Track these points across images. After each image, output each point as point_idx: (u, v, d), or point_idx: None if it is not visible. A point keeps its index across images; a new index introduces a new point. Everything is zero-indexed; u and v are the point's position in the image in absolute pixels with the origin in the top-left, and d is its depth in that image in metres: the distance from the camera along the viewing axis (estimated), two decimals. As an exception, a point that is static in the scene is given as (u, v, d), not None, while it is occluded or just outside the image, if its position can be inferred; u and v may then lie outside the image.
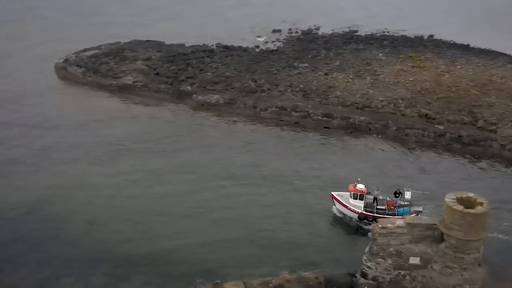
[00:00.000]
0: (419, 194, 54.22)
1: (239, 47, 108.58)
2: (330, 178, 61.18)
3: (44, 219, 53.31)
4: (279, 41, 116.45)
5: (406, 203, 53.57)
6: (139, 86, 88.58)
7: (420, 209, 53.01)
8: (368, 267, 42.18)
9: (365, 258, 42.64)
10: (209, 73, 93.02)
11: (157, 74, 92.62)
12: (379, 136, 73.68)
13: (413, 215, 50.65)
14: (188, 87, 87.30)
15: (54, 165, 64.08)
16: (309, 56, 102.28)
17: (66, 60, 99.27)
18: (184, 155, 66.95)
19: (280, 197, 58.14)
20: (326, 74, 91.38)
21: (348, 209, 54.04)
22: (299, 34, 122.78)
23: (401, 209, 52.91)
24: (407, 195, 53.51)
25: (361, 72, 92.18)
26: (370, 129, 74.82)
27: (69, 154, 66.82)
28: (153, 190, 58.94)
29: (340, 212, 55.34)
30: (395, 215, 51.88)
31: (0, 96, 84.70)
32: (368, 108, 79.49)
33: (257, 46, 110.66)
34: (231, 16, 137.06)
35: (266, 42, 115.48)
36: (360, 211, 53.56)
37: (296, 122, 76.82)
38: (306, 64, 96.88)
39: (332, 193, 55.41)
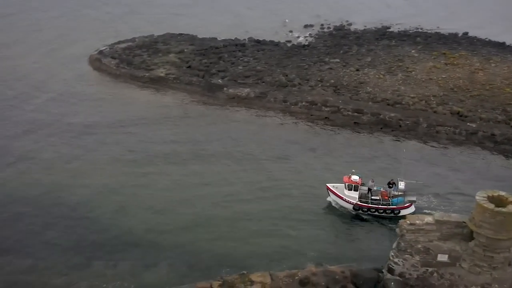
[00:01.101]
0: (412, 184, 54.64)
1: (271, 41, 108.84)
2: (360, 173, 61.04)
3: (76, 206, 54.64)
4: (311, 36, 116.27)
5: (400, 193, 54.13)
6: (171, 79, 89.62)
7: (414, 198, 54.05)
8: (395, 263, 42.09)
9: (392, 254, 42.56)
10: (240, 67, 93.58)
11: (189, 67, 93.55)
12: (409, 133, 73.09)
13: (407, 204, 53.39)
14: (219, 80, 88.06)
15: (85, 154, 65.40)
16: (341, 51, 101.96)
17: (100, 52, 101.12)
18: (214, 147, 67.67)
19: (308, 190, 58.41)
20: (357, 70, 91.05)
21: (343, 200, 54.88)
22: (331, 29, 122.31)
23: (395, 199, 53.87)
24: (401, 185, 54.15)
25: (393, 69, 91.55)
26: (400, 126, 74.36)
27: (101, 143, 68.25)
28: (181, 181, 59.77)
29: (336, 202, 56.11)
30: (389, 205, 53.47)
31: (37, 85, 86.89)
32: (399, 104, 78.98)
33: (289, 41, 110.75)
34: (264, 11, 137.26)
35: (298, 37, 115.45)
36: (355, 202, 54.36)
37: (326, 117, 76.81)
38: (338, 60, 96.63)
39: (327, 184, 56.23)
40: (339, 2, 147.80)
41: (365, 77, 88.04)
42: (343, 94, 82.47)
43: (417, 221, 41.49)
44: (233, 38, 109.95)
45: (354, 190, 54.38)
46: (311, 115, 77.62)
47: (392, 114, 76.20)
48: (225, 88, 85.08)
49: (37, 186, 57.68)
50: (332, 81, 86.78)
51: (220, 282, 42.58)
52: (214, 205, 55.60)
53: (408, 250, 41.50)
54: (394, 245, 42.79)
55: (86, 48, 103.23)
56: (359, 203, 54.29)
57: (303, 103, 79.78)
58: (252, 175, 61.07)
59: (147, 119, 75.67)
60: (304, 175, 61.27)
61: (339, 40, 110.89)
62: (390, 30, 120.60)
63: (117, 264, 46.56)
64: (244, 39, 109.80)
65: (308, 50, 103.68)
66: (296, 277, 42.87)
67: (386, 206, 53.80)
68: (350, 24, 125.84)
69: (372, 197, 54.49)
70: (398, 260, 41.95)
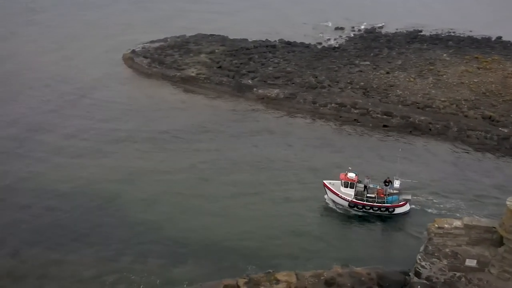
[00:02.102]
0: (408, 182, 55.14)
1: (302, 43, 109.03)
2: (387, 175, 60.86)
3: (106, 201, 55.66)
4: (342, 39, 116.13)
5: (395, 191, 54.39)
6: (201, 78, 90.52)
7: (409, 197, 54.36)
8: (422, 266, 41.88)
9: (420, 257, 42.35)
10: (270, 68, 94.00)
11: (219, 67, 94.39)
12: (439, 137, 72.45)
13: (402, 202, 53.65)
14: (249, 81, 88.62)
15: (115, 151, 66.54)
16: (371, 54, 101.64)
17: (133, 51, 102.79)
18: (243, 147, 68.17)
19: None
20: (388, 72, 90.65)
21: (339, 197, 55.10)
22: (362, 32, 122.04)
23: (390, 197, 54.13)
24: (396, 183, 54.41)
25: (424, 72, 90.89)
26: (430, 129, 73.73)
27: (133, 140, 69.34)
28: (210, 179, 60.36)
29: (332, 201, 56.25)
30: (383, 203, 53.81)
31: (73, 83, 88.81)
32: (429, 108, 78.34)
33: (319, 43, 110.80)
34: (295, 13, 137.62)
35: (329, 39, 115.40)
36: (350, 199, 54.59)
37: (355, 119, 76.67)
38: (368, 62, 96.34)
39: (324, 181, 56.38)
40: (371, 6, 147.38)
41: (395, 80, 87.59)
42: (373, 97, 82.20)
43: (446, 225, 41.23)
44: (263, 40, 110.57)
45: (350, 187, 54.54)
46: (340, 117, 77.56)
47: (422, 118, 75.62)
48: (254, 89, 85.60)
49: (70, 181, 58.94)
50: (362, 83, 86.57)
51: (246, 280, 43.03)
52: (241, 205, 56.03)
53: (436, 254, 41.25)
54: (422, 248, 42.56)
55: (119, 47, 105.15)
56: (354, 200, 54.54)
57: (332, 104, 79.76)
58: (280, 177, 61.22)
59: (177, 117, 76.55)
60: (332, 176, 61.02)
61: (370, 43, 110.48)
62: (421, 33, 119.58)
63: (145, 259, 47.31)
64: (275, 41, 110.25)
65: (339, 53, 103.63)
66: (322, 277, 43.07)
67: (380, 204, 54.10)
68: (381, 27, 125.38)
69: (367, 195, 54.83)
70: (425, 264, 41.73)
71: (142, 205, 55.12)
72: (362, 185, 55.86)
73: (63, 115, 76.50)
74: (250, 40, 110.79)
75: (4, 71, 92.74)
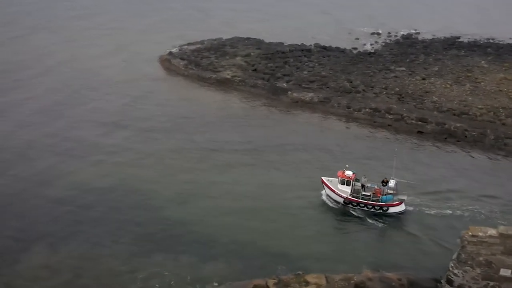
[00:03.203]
0: (403, 183, 56.21)
1: (337, 48, 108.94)
2: (421, 181, 60.79)
3: (142, 199, 56.75)
4: (378, 44, 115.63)
5: (392, 191, 55.26)
6: (237, 81, 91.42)
7: (404, 197, 55.27)
8: (455, 274, 41.23)
9: (452, 265, 41.75)
10: (305, 72, 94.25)
11: (255, 70, 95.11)
12: (475, 144, 71.49)
13: (396, 202, 54.65)
14: (284, 84, 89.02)
15: (152, 151, 67.55)
16: (407, 60, 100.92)
17: (170, 53, 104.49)
18: (276, 150, 68.40)
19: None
20: (424, 78, 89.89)
21: (335, 193, 56.12)
22: (398, 38, 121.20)
23: (384, 197, 55.12)
24: (391, 183, 55.32)
25: (461, 79, 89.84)
26: (466, 136, 72.88)
27: (168, 140, 70.44)
28: (243, 182, 60.90)
29: (328, 197, 57.00)
30: (378, 202, 54.83)
31: (112, 84, 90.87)
32: (466, 115, 77.41)
33: (355, 48, 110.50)
34: (331, 18, 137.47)
35: (364, 45, 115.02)
36: (345, 196, 55.40)
37: (389, 125, 76.35)
38: (403, 68, 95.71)
39: (322, 177, 57.23)
40: (408, 11, 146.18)
41: (431, 86, 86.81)
42: (408, 103, 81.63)
43: (480, 233, 40.51)
44: (299, 44, 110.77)
45: (346, 185, 55.71)
46: (374, 121, 77.34)
47: (458, 125, 74.78)
48: (289, 92, 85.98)
49: (107, 179, 60.25)
50: (397, 89, 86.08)
51: (275, 280, 43.20)
52: (273, 207, 56.39)
53: (469, 262, 40.56)
54: (454, 256, 41.98)
55: (157, 49, 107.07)
56: (349, 197, 55.49)
57: (367, 109, 79.58)
58: (312, 181, 61.20)
59: (212, 118, 77.50)
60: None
61: (406, 49, 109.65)
62: (459, 40, 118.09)
63: (177, 256, 48.11)
64: (310, 45, 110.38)
65: (374, 58, 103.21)
66: (352, 281, 42.87)
67: (375, 203, 54.99)
68: (418, 33, 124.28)
69: (363, 193, 55.71)
70: (458, 272, 41.07)
71: (175, 204, 56.04)
72: (360, 184, 56.81)
73: (101, 114, 78.47)
74: (285, 44, 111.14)
75: (61, 73, 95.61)
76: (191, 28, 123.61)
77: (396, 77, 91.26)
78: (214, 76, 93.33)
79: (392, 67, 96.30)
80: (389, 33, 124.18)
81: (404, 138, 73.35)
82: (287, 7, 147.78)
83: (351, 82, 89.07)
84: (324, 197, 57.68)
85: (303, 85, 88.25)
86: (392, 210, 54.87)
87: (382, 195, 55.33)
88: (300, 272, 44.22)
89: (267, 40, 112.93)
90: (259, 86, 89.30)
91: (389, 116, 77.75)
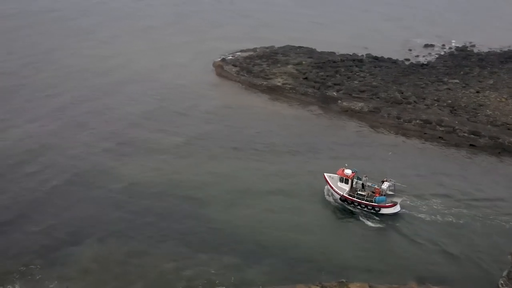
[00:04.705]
0: (398, 185, 57.73)
1: (389, 58, 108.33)
2: (468, 195, 59.86)
3: (190, 201, 57.98)
4: (431, 56, 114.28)
5: (391, 192, 57.07)
6: (287, 88, 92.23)
7: (398, 200, 56.56)
8: (504, 290, 40.77)
9: (502, 282, 41.20)
10: (356, 82, 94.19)
11: (305, 78, 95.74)
12: (531, 160, 69.78)
13: (389, 203, 55.79)
14: (334, 93, 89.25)
15: (202, 154, 68.98)
16: (461, 72, 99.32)
17: (223, 59, 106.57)
18: (323, 157, 68.61)
19: (414, 210, 57.60)
20: (478, 92, 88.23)
21: (333, 190, 58.35)
22: (452, 50, 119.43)
23: (377, 198, 56.52)
24: (384, 185, 56.66)
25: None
26: (520, 152, 71.18)
27: (218, 145, 71.64)
28: (289, 186, 61.33)
29: (328, 192, 59.03)
30: (371, 202, 56.23)
31: (167, 86, 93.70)
32: (521, 130, 75.60)
33: (407, 59, 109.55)
34: (384, 29, 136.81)
35: (417, 56, 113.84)
36: (342, 193, 57.46)
37: (440, 137, 75.26)
38: (457, 80, 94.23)
39: (325, 174, 58.95)
40: (463, 24, 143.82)
41: (485, 100, 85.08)
42: (460, 115, 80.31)
43: (530, 250, 39.91)
44: (351, 54, 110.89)
45: (345, 183, 57.83)
46: (425, 133, 76.42)
47: (513, 139, 73.20)
48: (339, 101, 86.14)
49: (158, 184, 61.41)
50: (449, 101, 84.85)
51: (318, 287, 43.32)
52: (319, 214, 56.91)
53: (518, 279, 40.04)
54: (505, 273, 41.40)
55: (212, 55, 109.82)
56: (345, 195, 57.22)
57: (417, 121, 78.75)
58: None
59: (261, 125, 78.36)
60: (412, 193, 60.25)
61: (460, 61, 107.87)
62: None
63: (221, 258, 48.95)
64: (362, 55, 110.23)
65: (427, 69, 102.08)
66: (396, 292, 42.69)
67: (368, 203, 56.34)
68: (473, 46, 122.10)
69: (358, 192, 57.16)
70: (507, 288, 40.61)
71: (222, 207, 57.03)
72: (361, 182, 58.47)
73: (154, 116, 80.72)
74: (337, 53, 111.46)
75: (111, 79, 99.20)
76: (245, 35, 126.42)
77: (449, 89, 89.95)
78: (265, 83, 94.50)
79: (445, 79, 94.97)
80: (443, 45, 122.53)
81: (456, 151, 72.13)
82: (336, 18, 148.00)
83: (402, 93, 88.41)
84: (325, 193, 59.79)
85: (353, 95, 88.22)
86: (384, 211, 56.09)
87: (381, 195, 56.34)
88: (344, 280, 44.26)
89: (319, 49, 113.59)
90: (310, 94, 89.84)
91: (440, 128, 76.67)
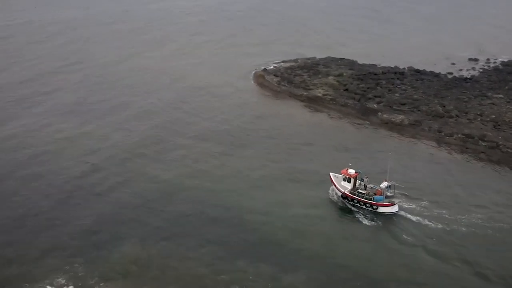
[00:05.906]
0: (396, 186, 61.01)
1: (431, 72, 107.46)
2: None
3: (229, 208, 58.87)
4: (474, 70, 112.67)
5: (391, 194, 60.16)
6: (327, 99, 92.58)
7: (396, 200, 59.39)
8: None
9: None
10: (397, 94, 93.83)
11: (346, 90, 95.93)
12: None
13: (386, 202, 58.82)
14: (375, 105, 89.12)
15: (239, 164, 69.68)
16: (506, 87, 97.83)
17: (265, 69, 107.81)
18: (366, 169, 68.21)
19: (455, 225, 56.99)
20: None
21: (337, 188, 61.94)
22: (497, 64, 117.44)
23: (375, 197, 59.62)
24: (383, 184, 60.45)
25: None
26: None
27: (257, 155, 72.57)
28: (321, 197, 62.36)
29: (333, 190, 62.73)
30: (370, 200, 59.40)
31: (204, 95, 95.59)
32: None
33: (450, 73, 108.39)
34: (427, 42, 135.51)
35: (461, 70, 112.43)
36: (343, 191, 60.99)
37: (482, 152, 74.07)
38: (501, 95, 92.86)
39: (330, 173, 63.14)
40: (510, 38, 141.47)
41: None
42: (504, 131, 79.02)
43: None
44: (392, 66, 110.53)
45: (348, 182, 61.39)
46: (466, 148, 75.36)
47: (558, 156, 71.50)
48: (379, 113, 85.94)
49: (198, 189, 62.68)
50: (493, 116, 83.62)
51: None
52: (356, 225, 57.35)
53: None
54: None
55: (254, 65, 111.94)
56: (346, 193, 60.76)
57: (459, 135, 77.82)
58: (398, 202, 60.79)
59: (302, 134, 79.05)
60: (453, 211, 59.51)
61: (506, 76, 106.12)
62: None
63: (259, 264, 49.46)
64: (404, 68, 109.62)
65: (470, 83, 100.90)
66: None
67: (366, 200, 59.56)
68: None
69: (359, 191, 60.55)
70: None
71: (261, 214, 57.71)
72: (363, 183, 60.64)
73: (195, 120, 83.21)
74: (379, 65, 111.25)
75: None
76: (288, 46, 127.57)
77: (492, 104, 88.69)
78: (305, 93, 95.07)
79: (489, 94, 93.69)
80: (488, 59, 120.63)
81: (498, 167, 70.86)
82: (378, 31, 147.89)
83: (444, 106, 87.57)
84: (330, 192, 62.52)
85: (394, 107, 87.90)
86: (381, 209, 59.00)
87: (382, 195, 59.55)
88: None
89: (360, 61, 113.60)
90: (350, 105, 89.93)
91: (483, 143, 75.55)
